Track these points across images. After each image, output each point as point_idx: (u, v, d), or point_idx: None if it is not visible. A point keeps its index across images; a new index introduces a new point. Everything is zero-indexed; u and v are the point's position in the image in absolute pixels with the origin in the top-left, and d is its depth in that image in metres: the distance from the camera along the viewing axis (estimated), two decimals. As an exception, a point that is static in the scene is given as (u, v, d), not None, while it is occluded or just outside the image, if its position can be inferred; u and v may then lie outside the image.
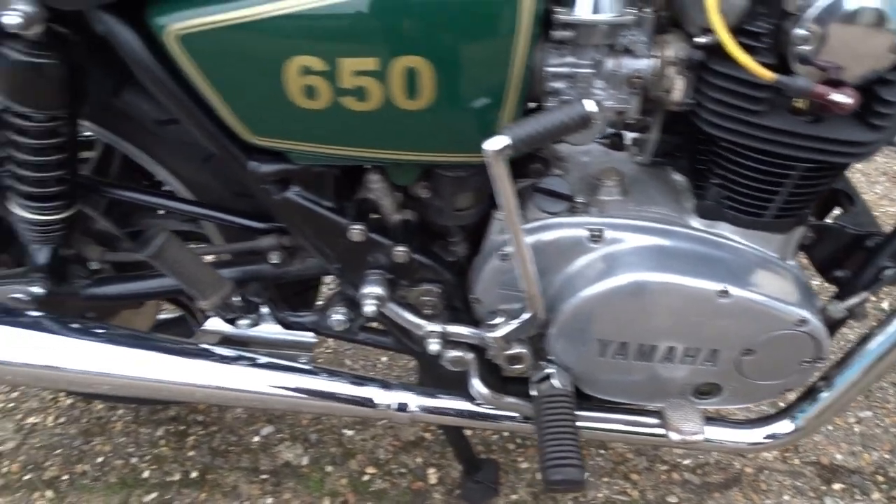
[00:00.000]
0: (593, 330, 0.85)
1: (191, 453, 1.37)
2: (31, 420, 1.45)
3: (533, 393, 0.89)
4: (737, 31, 0.70)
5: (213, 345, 0.99)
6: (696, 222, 0.86)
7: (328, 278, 1.23)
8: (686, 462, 1.33)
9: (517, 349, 0.89)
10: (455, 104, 0.72)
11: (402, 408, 0.96)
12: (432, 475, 1.32)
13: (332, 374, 0.99)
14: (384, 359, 1.55)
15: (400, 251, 0.87)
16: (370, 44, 0.68)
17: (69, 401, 1.47)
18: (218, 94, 0.73)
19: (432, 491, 1.30)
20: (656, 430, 0.91)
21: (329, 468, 1.34)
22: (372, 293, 0.89)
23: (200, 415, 1.44)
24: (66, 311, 1.02)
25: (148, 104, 0.89)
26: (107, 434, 1.41)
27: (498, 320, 0.87)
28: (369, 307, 0.88)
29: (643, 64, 0.76)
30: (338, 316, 0.96)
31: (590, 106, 0.68)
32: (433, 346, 0.92)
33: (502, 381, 0.97)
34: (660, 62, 0.76)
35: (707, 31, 0.72)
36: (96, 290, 1.01)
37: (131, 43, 0.72)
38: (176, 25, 0.68)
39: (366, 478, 1.32)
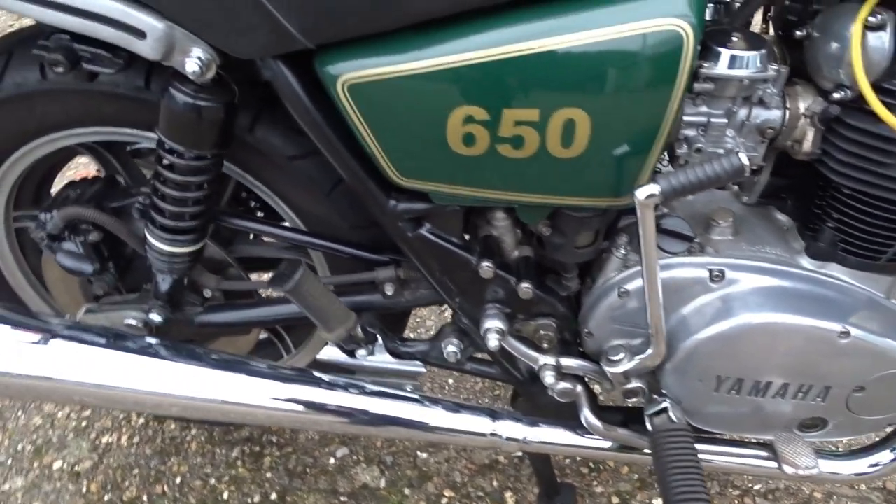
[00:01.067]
0: (711, 367, 0.89)
1: (268, 475, 1.39)
2: (106, 439, 1.46)
3: (648, 426, 0.93)
4: (875, 88, 0.74)
5: (323, 372, 1.02)
6: (806, 262, 0.90)
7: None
8: (757, 487, 1.36)
9: (634, 383, 0.92)
10: (606, 153, 0.76)
11: (512, 438, 0.99)
12: (509, 499, 1.35)
13: (441, 403, 1.02)
14: (451, 381, 1.58)
15: (525, 287, 0.90)
16: (535, 96, 0.71)
17: (141, 420, 1.48)
18: (375, 139, 0.76)
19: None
20: (767, 462, 0.94)
21: (407, 491, 1.36)
22: (495, 327, 0.92)
23: (274, 435, 1.46)
24: (172, 337, 1.05)
25: (280, 140, 0.92)
26: (182, 454, 1.43)
27: (620, 356, 0.90)
28: (493, 341, 0.91)
29: (775, 115, 0.80)
30: (451, 348, 0.99)
31: (744, 158, 0.72)
32: (549, 378, 0.95)
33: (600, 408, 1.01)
34: (790, 114, 0.80)
35: (842, 86, 0.76)
36: (209, 317, 1.04)
37: (296, 90, 0.76)
38: (347, 75, 0.72)
39: (444, 501, 1.34)
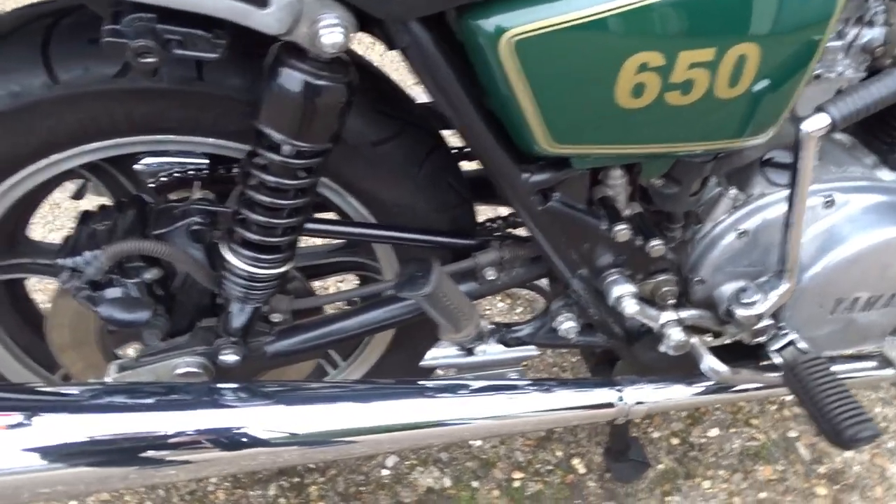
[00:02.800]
0: (833, 291, 0.90)
1: (320, 505, 1.25)
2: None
3: (776, 361, 0.93)
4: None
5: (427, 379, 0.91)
6: (887, 174, 0.93)
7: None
8: (789, 398, 1.44)
9: (764, 322, 0.91)
10: (766, 88, 0.71)
11: (640, 402, 0.95)
12: (578, 465, 1.31)
13: (558, 383, 0.95)
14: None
15: (657, 245, 0.85)
16: (716, 34, 0.65)
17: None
18: (537, 101, 0.66)
19: (585, 480, 1.29)
20: (882, 371, 0.99)
21: (475, 483, 1.28)
22: (628, 292, 0.86)
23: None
24: (233, 379, 0.88)
25: (363, 125, 0.77)
26: (212, 507, 1.24)
27: (754, 297, 0.88)
28: (632, 306, 0.86)
29: (880, 33, 0.80)
30: (569, 324, 0.92)
31: (912, 74, 0.71)
32: (676, 334, 0.91)
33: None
34: (891, 30, 0.80)
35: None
36: (281, 344, 0.88)
37: (439, 56, 0.63)
38: (515, 31, 0.61)
39: (516, 484, 1.28)
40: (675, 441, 1.37)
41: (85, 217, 0.79)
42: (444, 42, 0.64)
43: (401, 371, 1.09)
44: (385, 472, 1.30)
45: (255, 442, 0.79)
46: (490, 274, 0.90)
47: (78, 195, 0.95)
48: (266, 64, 0.63)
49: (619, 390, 0.95)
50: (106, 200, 0.90)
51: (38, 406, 0.74)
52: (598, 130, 0.70)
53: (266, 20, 0.55)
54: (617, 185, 0.84)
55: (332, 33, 0.56)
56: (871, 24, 0.80)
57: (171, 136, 0.75)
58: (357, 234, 0.86)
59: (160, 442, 0.77)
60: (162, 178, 0.91)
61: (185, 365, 0.85)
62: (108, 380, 0.86)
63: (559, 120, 0.68)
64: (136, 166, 0.82)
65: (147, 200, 0.80)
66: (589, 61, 0.64)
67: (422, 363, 0.90)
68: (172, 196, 0.88)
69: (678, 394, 0.98)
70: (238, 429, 0.78)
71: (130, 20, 0.55)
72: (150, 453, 0.77)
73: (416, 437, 0.89)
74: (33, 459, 0.71)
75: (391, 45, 0.65)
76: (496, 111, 0.69)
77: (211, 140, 0.76)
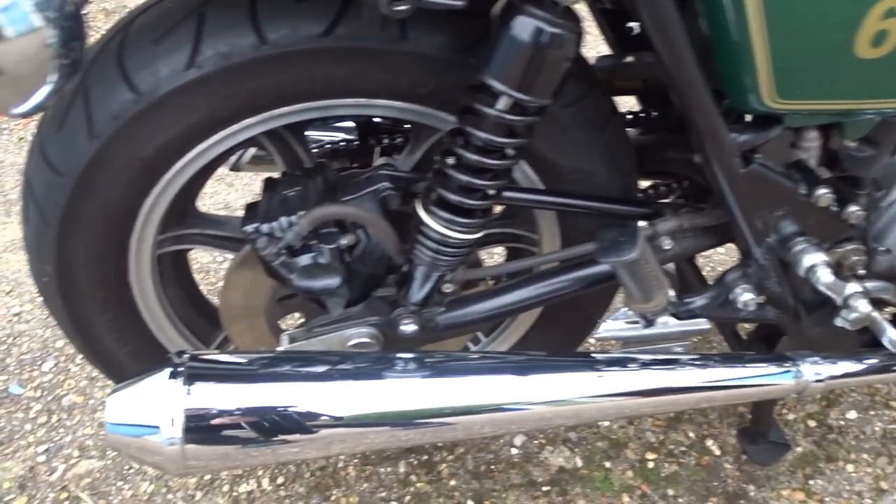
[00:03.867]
0: None
1: (452, 483, 1.23)
2: (244, 489, 1.23)
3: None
4: None
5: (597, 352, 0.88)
6: None
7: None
8: (928, 380, 1.38)
9: (959, 291, 0.86)
10: None
11: (819, 378, 0.91)
12: (713, 446, 1.27)
13: (734, 358, 0.92)
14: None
15: (856, 211, 0.80)
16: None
17: (273, 457, 1.26)
18: (769, 48, 0.62)
19: (721, 462, 1.25)
20: None
21: (607, 464, 1.25)
22: (821, 261, 0.82)
23: (434, 440, 1.29)
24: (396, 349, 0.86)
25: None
26: (343, 484, 1.23)
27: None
28: (826, 276, 0.81)
29: None
30: (747, 295, 0.88)
31: None
32: (862, 306, 0.86)
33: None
34: None
35: None
36: (454, 315, 0.86)
37: (672, 5, 0.60)
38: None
39: (650, 465, 1.25)
40: (811, 423, 1.32)
41: (270, 184, 0.78)
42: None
43: (545, 348, 1.06)
44: (514, 451, 1.27)
45: (438, 413, 0.78)
46: (666, 243, 0.87)
47: (236, 166, 0.94)
48: (495, 13, 0.60)
49: (796, 365, 0.91)
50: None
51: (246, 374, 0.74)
52: (826, 83, 0.66)
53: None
54: (812, 147, 0.80)
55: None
56: None
57: (362, 100, 0.73)
58: (546, 202, 0.83)
59: (346, 412, 0.76)
60: (327, 146, 0.90)
61: (358, 336, 0.84)
62: (279, 349, 0.86)
63: (790, 71, 0.65)
64: (309, 133, 0.81)
65: (329, 167, 0.79)
66: (836, 4, 0.60)
67: (597, 335, 0.87)
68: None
69: (855, 369, 0.93)
70: (430, 399, 0.76)
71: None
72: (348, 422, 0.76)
73: (595, 411, 0.86)
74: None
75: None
76: (720, 64, 0.65)
77: (400, 104, 0.74)
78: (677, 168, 0.97)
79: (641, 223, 0.77)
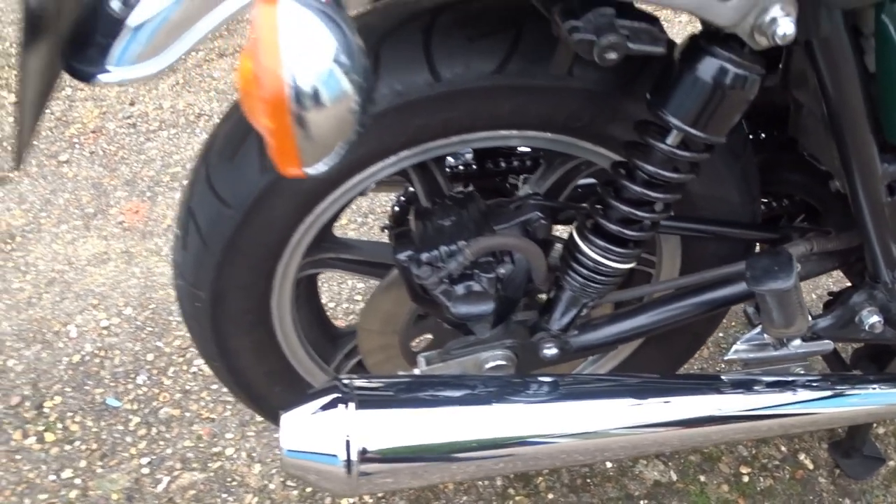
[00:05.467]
0: None
1: (550, 496, 1.25)
2: (345, 502, 1.26)
3: None
4: None
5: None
6: None
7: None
8: None
9: None
10: None
11: (944, 398, 0.92)
12: (805, 460, 1.29)
13: (849, 378, 0.93)
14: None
15: None
16: None
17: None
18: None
19: (815, 476, 1.27)
20: None
21: (702, 478, 1.27)
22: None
23: (527, 453, 1.31)
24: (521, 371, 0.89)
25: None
26: (443, 497, 1.26)
27: None
28: (962, 299, 0.83)
29: None
30: (874, 318, 0.89)
31: None
32: None
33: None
34: None
35: None
36: (586, 338, 0.88)
37: (846, 40, 0.62)
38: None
39: (745, 478, 1.26)
40: (903, 437, 1.34)
41: (421, 213, 0.80)
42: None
43: (650, 368, 1.08)
44: (609, 465, 1.29)
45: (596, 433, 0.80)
46: (797, 267, 0.88)
47: (363, 192, 0.97)
48: (678, 52, 0.62)
49: (917, 386, 0.93)
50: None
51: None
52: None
53: (724, 11, 0.55)
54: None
55: (785, 23, 0.55)
56: None
57: (515, 132, 0.76)
58: (686, 228, 0.85)
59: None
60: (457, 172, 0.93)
61: (494, 358, 0.86)
62: (416, 372, 0.88)
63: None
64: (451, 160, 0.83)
65: (478, 197, 0.81)
66: None
67: (728, 356, 0.89)
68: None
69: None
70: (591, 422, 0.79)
71: (593, 16, 0.55)
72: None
73: (719, 433, 0.88)
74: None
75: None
76: (883, 100, 0.67)
77: (551, 135, 0.76)
78: (790, 189, 0.98)
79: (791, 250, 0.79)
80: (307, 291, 0.97)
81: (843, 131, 0.70)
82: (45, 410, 1.43)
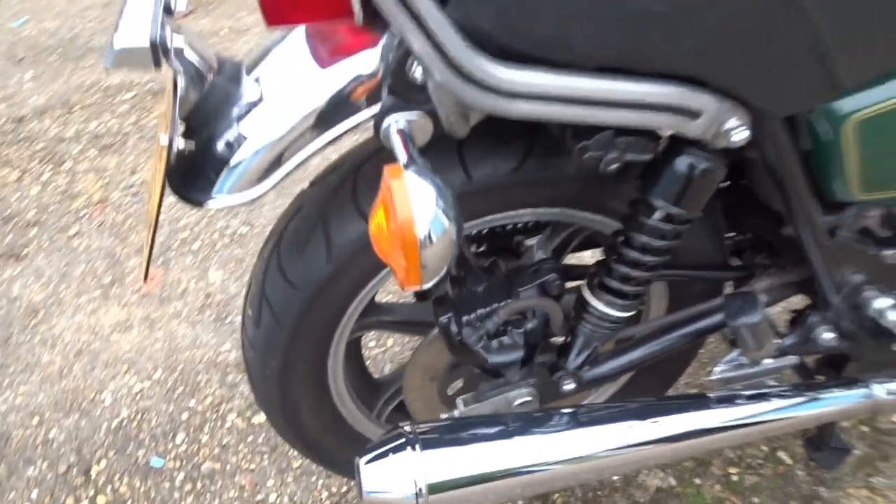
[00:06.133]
0: None
1: (564, 510, 1.41)
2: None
3: None
4: None
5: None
6: None
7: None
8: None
9: None
10: None
11: (892, 392, 1.11)
12: (785, 457, 1.47)
13: (812, 385, 1.11)
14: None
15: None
16: None
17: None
18: (860, 160, 0.83)
19: (794, 470, 1.45)
20: None
21: (697, 481, 1.44)
22: (888, 304, 1.02)
23: (542, 473, 1.46)
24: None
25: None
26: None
27: None
28: (892, 315, 1.02)
29: None
30: (828, 334, 1.08)
31: None
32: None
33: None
34: None
35: None
36: (595, 371, 1.05)
37: (789, 136, 0.80)
38: (857, 114, 0.78)
39: (734, 478, 1.44)
40: (864, 429, 1.53)
41: (456, 281, 0.96)
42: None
43: (645, 393, 1.26)
44: (615, 477, 1.46)
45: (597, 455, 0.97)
46: (762, 297, 1.07)
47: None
48: (658, 151, 0.80)
49: (867, 386, 1.11)
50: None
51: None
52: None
53: (693, 128, 0.72)
54: (878, 216, 1.01)
55: (739, 133, 0.74)
56: None
57: (529, 210, 0.93)
58: (671, 274, 1.02)
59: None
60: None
61: (521, 396, 1.02)
62: (456, 413, 1.04)
63: (875, 173, 0.85)
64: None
65: (500, 264, 0.98)
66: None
67: (713, 377, 1.06)
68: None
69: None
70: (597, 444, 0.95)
71: (599, 138, 0.72)
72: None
73: (711, 442, 1.05)
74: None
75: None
76: (819, 170, 0.86)
77: (558, 209, 0.94)
78: (752, 230, 1.17)
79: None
80: (353, 350, 1.12)
81: (789, 193, 0.89)
82: (93, 475, 1.54)
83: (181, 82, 0.71)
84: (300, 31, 0.79)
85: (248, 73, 0.77)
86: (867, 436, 1.51)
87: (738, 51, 0.69)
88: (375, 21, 0.66)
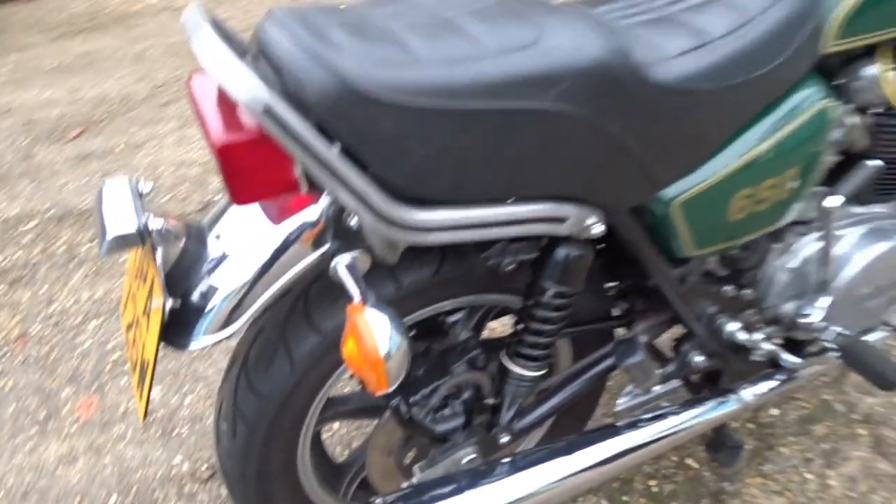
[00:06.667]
0: (854, 293, 1.38)
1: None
2: None
3: (831, 345, 1.38)
4: None
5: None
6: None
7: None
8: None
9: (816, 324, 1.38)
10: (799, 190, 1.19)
11: (757, 395, 1.38)
12: (692, 462, 1.72)
13: (693, 401, 1.37)
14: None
15: (748, 293, 1.30)
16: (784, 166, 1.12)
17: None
18: (689, 229, 1.09)
19: (701, 472, 1.70)
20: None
21: (625, 498, 1.66)
22: (736, 327, 1.30)
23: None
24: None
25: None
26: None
27: (808, 311, 1.34)
28: (742, 335, 1.29)
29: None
30: (700, 357, 1.34)
31: None
32: (766, 345, 1.35)
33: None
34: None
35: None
36: (524, 421, 1.25)
37: (634, 220, 1.06)
38: (680, 197, 1.05)
39: (654, 489, 1.67)
40: (750, 425, 1.81)
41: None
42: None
43: (567, 431, 1.47)
44: (556, 509, 1.65)
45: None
46: (643, 337, 1.32)
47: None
48: (542, 245, 1.03)
49: (738, 393, 1.38)
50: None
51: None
52: (721, 236, 1.15)
53: (563, 229, 0.96)
54: (712, 263, 1.29)
55: (597, 227, 0.98)
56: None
57: (450, 301, 1.13)
58: (570, 332, 1.25)
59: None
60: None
61: (467, 455, 1.21)
62: (415, 481, 1.21)
63: (702, 235, 1.13)
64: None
65: (434, 349, 1.17)
66: (719, 200, 1.09)
67: (617, 408, 1.29)
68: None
69: (773, 384, 1.41)
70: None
71: (496, 248, 0.94)
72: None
73: (628, 462, 1.27)
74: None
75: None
76: (658, 238, 1.12)
77: (473, 297, 1.15)
78: (626, 282, 1.44)
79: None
80: (316, 443, 1.27)
81: (643, 257, 1.15)
82: None
83: (160, 252, 0.87)
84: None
85: (210, 231, 0.94)
86: (754, 431, 1.80)
87: (587, 174, 0.94)
88: (313, 187, 0.86)
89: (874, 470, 1.68)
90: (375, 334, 0.75)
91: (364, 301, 0.80)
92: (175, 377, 2.09)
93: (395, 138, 0.80)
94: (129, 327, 1.02)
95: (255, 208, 0.94)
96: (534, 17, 0.89)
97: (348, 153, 0.80)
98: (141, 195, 0.89)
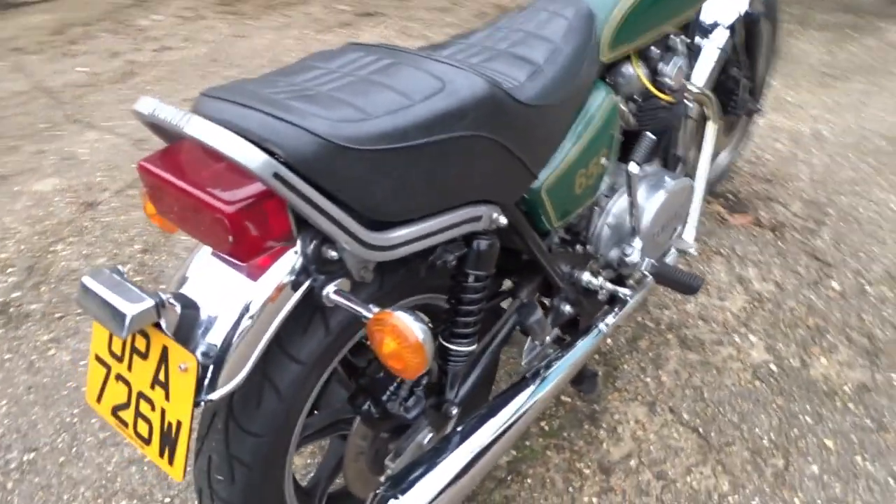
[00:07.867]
0: (652, 231, 1.84)
1: None
2: None
3: (647, 273, 1.83)
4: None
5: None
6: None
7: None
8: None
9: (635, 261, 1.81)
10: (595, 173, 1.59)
11: (608, 324, 1.77)
12: (565, 398, 2.09)
13: (571, 343, 1.72)
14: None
15: (587, 249, 1.67)
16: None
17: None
18: (552, 208, 1.42)
19: (575, 402, 2.08)
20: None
21: (527, 443, 1.96)
22: (586, 277, 1.67)
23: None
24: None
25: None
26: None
27: (630, 252, 1.76)
28: (593, 282, 1.66)
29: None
30: (567, 307, 1.69)
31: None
32: (608, 286, 1.75)
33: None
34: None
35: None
36: (464, 391, 1.48)
37: (518, 210, 1.35)
38: (545, 183, 1.36)
39: (546, 427, 2.00)
40: (596, 357, 2.25)
41: (361, 376, 1.30)
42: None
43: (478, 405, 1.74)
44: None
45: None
46: (527, 297, 1.63)
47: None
48: (461, 237, 1.27)
49: (597, 327, 1.77)
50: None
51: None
52: (572, 207, 1.50)
53: (479, 225, 1.21)
54: (562, 231, 1.65)
55: (502, 219, 1.25)
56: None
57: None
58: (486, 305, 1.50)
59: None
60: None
61: (426, 435, 1.41)
62: (389, 472, 1.37)
63: (561, 210, 1.46)
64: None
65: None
66: (572, 183, 1.43)
67: (524, 362, 1.59)
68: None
69: (616, 314, 1.82)
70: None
71: (440, 250, 1.16)
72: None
73: (543, 402, 1.57)
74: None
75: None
76: (532, 218, 1.43)
77: (410, 298, 1.35)
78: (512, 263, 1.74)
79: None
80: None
81: (524, 236, 1.46)
82: None
83: (164, 322, 0.95)
84: (206, 251, 1.07)
85: (194, 296, 1.02)
86: (600, 360, 2.24)
87: (491, 178, 1.22)
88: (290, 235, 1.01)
89: (687, 360, 2.22)
90: (411, 326, 0.93)
91: (376, 310, 0.98)
92: (46, 491, 1.93)
93: (364, 177, 0.98)
94: (118, 408, 1.05)
95: (225, 267, 1.04)
96: (428, 68, 1.13)
97: (328, 196, 0.97)
98: (123, 275, 0.95)
